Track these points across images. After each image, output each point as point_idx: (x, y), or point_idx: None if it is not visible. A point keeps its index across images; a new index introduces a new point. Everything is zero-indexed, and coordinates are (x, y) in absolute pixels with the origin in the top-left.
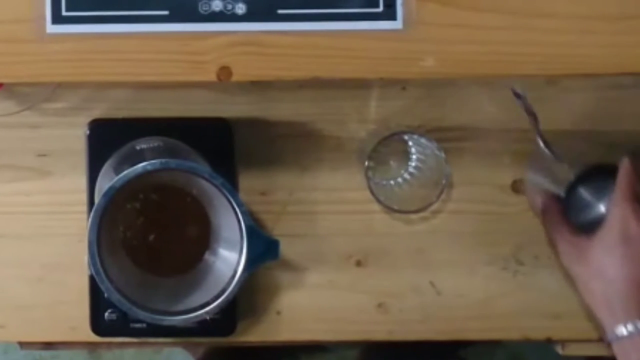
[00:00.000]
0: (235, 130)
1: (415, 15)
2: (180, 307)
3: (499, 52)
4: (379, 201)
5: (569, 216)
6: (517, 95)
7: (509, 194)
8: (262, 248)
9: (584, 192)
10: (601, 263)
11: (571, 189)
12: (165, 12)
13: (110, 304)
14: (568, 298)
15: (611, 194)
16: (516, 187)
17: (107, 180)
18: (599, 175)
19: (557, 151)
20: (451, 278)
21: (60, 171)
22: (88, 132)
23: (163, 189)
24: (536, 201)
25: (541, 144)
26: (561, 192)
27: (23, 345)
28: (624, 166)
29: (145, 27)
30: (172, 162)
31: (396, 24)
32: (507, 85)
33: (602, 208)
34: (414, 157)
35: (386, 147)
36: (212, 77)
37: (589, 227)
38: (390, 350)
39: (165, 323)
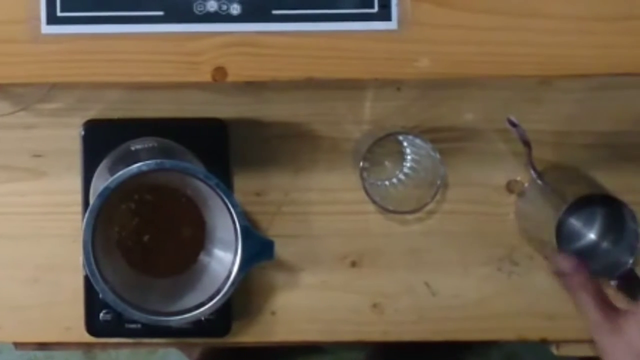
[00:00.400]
0: (230, 130)
1: (410, 16)
2: (175, 307)
3: (494, 53)
4: (373, 202)
5: (560, 245)
6: (513, 124)
7: (503, 194)
8: (257, 248)
9: (575, 222)
10: (635, 337)
11: (563, 218)
12: (160, 13)
13: (105, 305)
14: (563, 299)
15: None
16: (511, 187)
17: (102, 180)
18: (590, 204)
19: (548, 181)
20: (446, 279)
21: (55, 172)
22: (83, 132)
23: (158, 190)
24: (560, 263)
25: (533, 174)
26: (552, 221)
27: (18, 345)
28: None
29: (140, 27)
30: (167, 163)
31: (391, 25)
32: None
33: (592, 236)
34: (408, 157)
35: (381, 147)
36: (207, 77)
37: (581, 256)
38: (392, 353)
39: (160, 324)
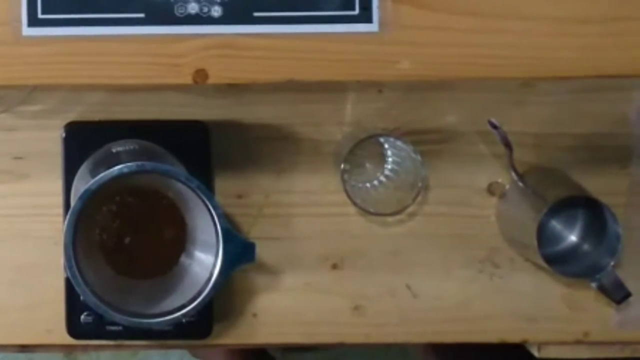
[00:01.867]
0: (212, 132)
1: (391, 18)
2: (157, 309)
3: (475, 55)
4: (355, 204)
5: (541, 247)
6: (494, 127)
7: (485, 196)
8: (238, 251)
9: (556, 224)
10: None
11: (544, 220)
12: (141, 15)
13: (86, 307)
14: (544, 301)
15: (581, 225)
16: (492, 190)
17: (83, 182)
18: (571, 206)
19: (530, 183)
20: (427, 281)
21: (36, 174)
22: (64, 134)
23: (139, 192)
24: None
25: (514, 176)
26: (533, 223)
27: None
28: None
29: (121, 29)
30: (148, 165)
31: (372, 27)
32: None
33: (573, 238)
34: (390, 159)
35: (362, 149)
36: (188, 79)
37: (562, 258)
38: None
39: (142, 326)
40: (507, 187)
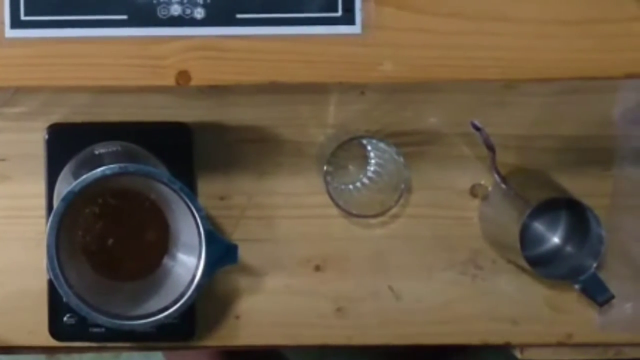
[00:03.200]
0: (194, 134)
1: (373, 20)
2: (139, 311)
3: (458, 57)
4: (337, 206)
5: (524, 249)
6: (477, 128)
7: (467, 198)
8: (221, 252)
9: (539, 226)
10: None
11: (527, 222)
12: (124, 17)
13: (69, 309)
14: (526, 302)
15: (564, 227)
16: (475, 191)
17: (65, 184)
18: (554, 208)
19: (512, 185)
20: (410, 282)
21: (18, 176)
22: (47, 136)
23: (122, 194)
24: None
25: (497, 178)
26: (516, 225)
27: None
28: None
29: (103, 31)
30: (131, 167)
31: (355, 29)
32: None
33: (556, 240)
34: (372, 161)
35: (345, 151)
36: (171, 81)
37: (545, 260)
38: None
39: (124, 327)
40: (490, 189)
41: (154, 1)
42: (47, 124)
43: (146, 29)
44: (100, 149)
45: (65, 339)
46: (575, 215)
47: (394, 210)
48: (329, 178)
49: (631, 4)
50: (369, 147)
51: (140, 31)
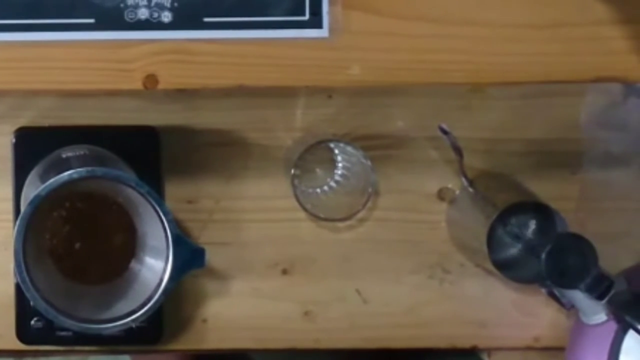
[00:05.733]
0: (162, 138)
1: (341, 24)
2: (107, 315)
3: (425, 60)
4: (305, 209)
5: (491, 253)
6: (444, 132)
7: (435, 202)
8: (188, 256)
9: (506, 229)
10: None
11: (494, 226)
12: (91, 21)
13: (36, 312)
14: (494, 306)
15: (531, 231)
16: (442, 195)
17: (33, 188)
18: (520, 212)
19: (480, 188)
20: (377, 286)
21: None
22: (14, 140)
23: (89, 197)
24: None
25: (464, 181)
26: (483, 229)
27: None
28: None
29: (71, 35)
30: (98, 171)
31: (322, 32)
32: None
33: (523, 244)
34: (340, 165)
35: (312, 155)
36: (138, 85)
37: (512, 263)
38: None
39: (92, 331)
40: (457, 192)
41: (122, 5)
42: (14, 128)
43: (113, 33)
44: (67, 153)
45: (32, 343)
46: (543, 218)
47: (361, 214)
48: (296, 181)
49: (598, 8)
50: (336, 151)
51: (108, 35)
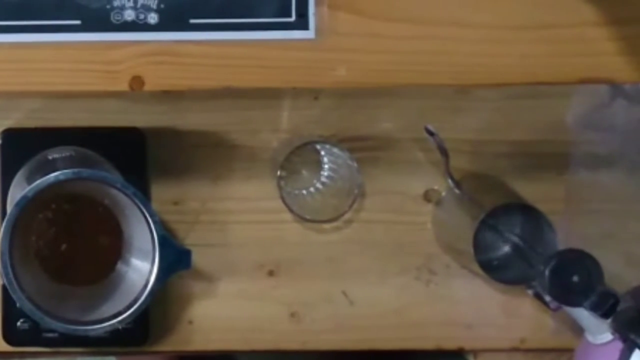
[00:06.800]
0: (148, 139)
1: (327, 25)
2: (93, 316)
3: (411, 62)
4: (291, 211)
5: (478, 254)
6: (430, 133)
7: (421, 203)
8: (174, 258)
9: (492, 231)
10: None
11: (480, 227)
12: (78, 22)
13: (22, 314)
14: (480, 307)
15: (518, 232)
16: (428, 196)
17: (19, 189)
18: (506, 213)
19: (466, 190)
20: (364, 287)
21: None
22: (0, 141)
23: (75, 199)
24: None
25: (450, 182)
26: (470, 230)
27: None
28: None
29: (57, 36)
30: (85, 172)
31: (308, 34)
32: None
33: (509, 245)
34: (326, 166)
35: (298, 156)
36: (124, 86)
37: (498, 265)
38: None
39: (78, 333)
40: (444, 194)
41: (108, 6)
42: (0, 129)
43: (100, 34)
44: (54, 154)
45: (18, 344)
46: (529, 220)
47: (347, 215)
48: (282, 183)
49: (584, 9)
50: (322, 152)
51: (94, 36)
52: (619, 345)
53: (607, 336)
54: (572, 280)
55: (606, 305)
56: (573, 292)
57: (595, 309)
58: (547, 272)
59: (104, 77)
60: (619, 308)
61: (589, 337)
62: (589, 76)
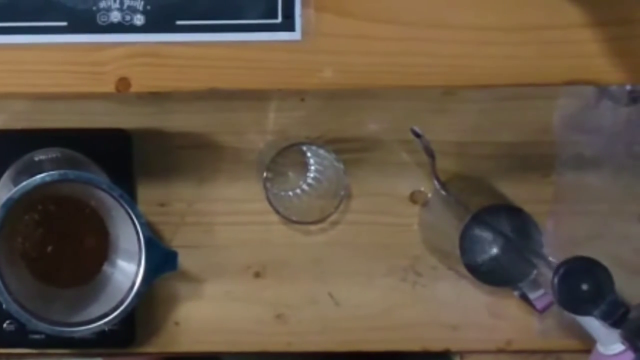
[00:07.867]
0: (134, 141)
1: (313, 27)
2: (79, 318)
3: (398, 64)
4: (277, 212)
5: (464, 256)
6: (416, 135)
7: (407, 205)
8: (161, 259)
9: (479, 232)
10: None
11: (466, 229)
12: (64, 23)
13: (8, 315)
14: (466, 309)
15: (504, 234)
16: (415, 198)
17: (5, 191)
18: (493, 215)
19: (452, 191)
20: (350, 289)
21: None
22: None
23: (62, 200)
24: None
25: (437, 184)
26: (456, 232)
27: None
28: None
29: (43, 38)
30: (71, 174)
31: (295, 35)
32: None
33: (495, 247)
34: (312, 168)
35: (284, 158)
36: (110, 88)
37: (484, 266)
38: None
39: (64, 334)
40: (430, 195)
41: (94, 8)
42: None
43: (86, 36)
44: (40, 156)
45: (4, 346)
46: (515, 221)
47: (333, 217)
48: (268, 184)
49: (570, 11)
50: (308, 154)
51: (80, 38)
52: (630, 356)
53: (619, 346)
54: (582, 288)
55: (616, 314)
56: (582, 301)
57: (605, 317)
58: (555, 281)
59: (90, 79)
60: (629, 317)
61: (600, 348)
62: (574, 78)
